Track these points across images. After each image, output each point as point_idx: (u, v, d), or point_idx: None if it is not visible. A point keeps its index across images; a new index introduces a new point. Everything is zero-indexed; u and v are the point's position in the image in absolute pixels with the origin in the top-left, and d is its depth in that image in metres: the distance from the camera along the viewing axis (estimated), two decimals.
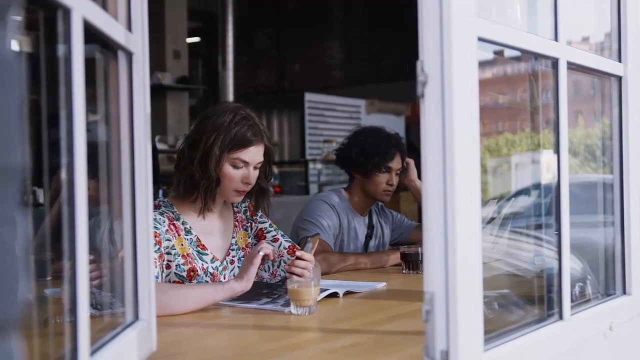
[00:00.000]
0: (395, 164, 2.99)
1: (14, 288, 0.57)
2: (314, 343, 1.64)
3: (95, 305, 1.31)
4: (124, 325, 1.32)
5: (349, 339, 1.61)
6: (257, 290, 2.10)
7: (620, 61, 1.79)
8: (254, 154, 2.18)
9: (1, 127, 0.56)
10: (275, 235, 2.38)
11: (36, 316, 1.24)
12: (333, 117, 8.38)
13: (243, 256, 2.31)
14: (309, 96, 8.26)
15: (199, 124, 2.22)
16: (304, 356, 1.51)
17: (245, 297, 2.03)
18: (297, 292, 1.85)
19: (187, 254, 2.16)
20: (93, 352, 1.09)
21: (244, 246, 2.35)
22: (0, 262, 0.56)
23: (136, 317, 1.36)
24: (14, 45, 0.59)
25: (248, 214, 2.39)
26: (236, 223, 2.35)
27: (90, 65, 1.10)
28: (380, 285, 2.33)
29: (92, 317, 1.07)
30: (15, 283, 0.58)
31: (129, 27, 1.34)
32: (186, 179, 2.18)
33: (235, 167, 2.17)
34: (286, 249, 2.33)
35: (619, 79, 1.80)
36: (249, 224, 2.39)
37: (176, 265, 2.13)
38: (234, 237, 2.32)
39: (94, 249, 1.14)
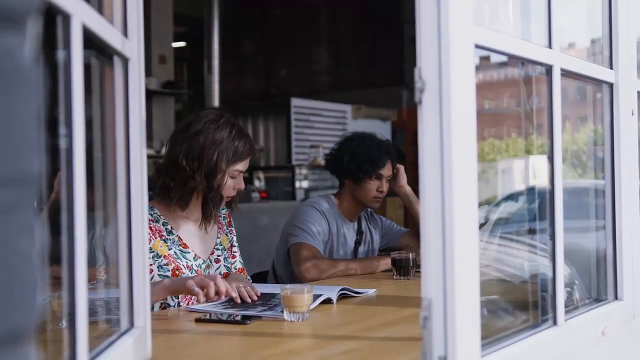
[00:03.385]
0: (386, 171, 3.00)
1: (32, 296, 0.57)
2: (309, 349, 1.63)
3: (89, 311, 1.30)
4: (120, 333, 1.31)
5: (344, 346, 1.61)
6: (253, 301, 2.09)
7: (611, 68, 1.81)
8: (247, 163, 2.33)
9: (21, 135, 0.56)
10: (236, 252, 2.50)
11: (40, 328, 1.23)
12: (319, 122, 8.37)
13: (227, 257, 2.41)
14: (295, 101, 8.24)
15: (193, 136, 2.23)
16: None
17: (241, 305, 2.02)
18: (290, 299, 1.84)
19: (169, 254, 2.22)
20: None
21: (228, 247, 2.45)
22: (19, 270, 0.56)
23: (131, 324, 1.35)
24: (33, 53, 0.59)
25: (226, 221, 2.50)
26: (220, 225, 2.45)
27: (85, 70, 1.09)
28: (372, 292, 2.33)
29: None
30: (33, 291, 0.57)
31: (125, 33, 1.34)
32: (189, 191, 2.24)
33: (232, 177, 2.29)
34: (236, 269, 2.42)
35: (610, 85, 1.81)
36: (229, 230, 2.50)
37: (159, 267, 2.18)
38: (218, 237, 2.41)
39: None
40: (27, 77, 0.57)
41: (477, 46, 1.24)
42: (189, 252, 2.27)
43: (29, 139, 0.57)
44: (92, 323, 1.37)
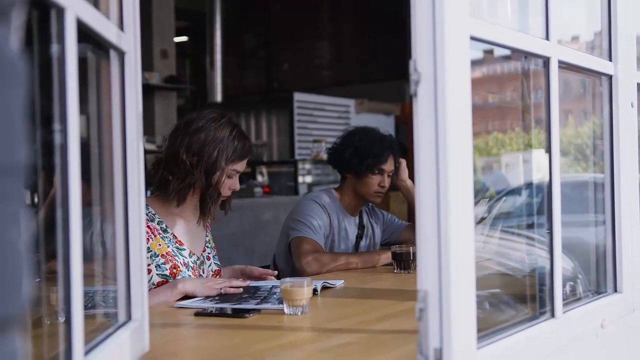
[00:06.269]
0: (388, 166, 2.99)
1: (18, 286, 0.58)
2: (308, 342, 1.64)
3: (86, 305, 1.31)
4: (117, 326, 1.32)
5: (342, 338, 1.61)
6: (238, 295, 2.08)
7: (610, 60, 1.80)
8: (245, 164, 2.36)
9: (7, 126, 0.56)
10: (214, 254, 2.49)
11: (28, 317, 1.23)
12: (322, 117, 8.37)
13: (215, 255, 2.45)
14: (297, 96, 8.24)
15: (194, 133, 2.26)
16: (298, 355, 1.51)
17: (231, 300, 2.02)
18: (290, 292, 1.84)
19: (167, 253, 2.24)
20: (86, 352, 1.09)
21: (214, 246, 2.49)
22: (6, 260, 0.56)
23: (129, 317, 1.36)
24: (18, 44, 0.59)
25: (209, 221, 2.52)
26: (208, 225, 2.47)
27: (81, 64, 1.09)
28: (339, 283, 2.34)
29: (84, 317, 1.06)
30: (20, 281, 0.58)
31: (121, 26, 1.34)
32: (187, 186, 2.26)
33: (229, 177, 2.30)
34: (212, 272, 2.43)
35: (610, 77, 1.81)
36: (211, 230, 2.53)
37: (156, 266, 2.20)
38: (207, 236, 2.45)
39: (84, 250, 1.13)
40: (12, 68, 0.57)
41: (473, 38, 1.24)
42: (185, 249, 2.30)
43: (14, 130, 0.57)
44: (91, 316, 1.37)
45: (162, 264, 2.21)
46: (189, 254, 2.31)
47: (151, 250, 2.20)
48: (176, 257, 2.25)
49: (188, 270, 2.26)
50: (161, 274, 2.20)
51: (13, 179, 0.57)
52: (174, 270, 2.22)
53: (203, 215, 2.33)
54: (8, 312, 0.56)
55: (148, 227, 2.22)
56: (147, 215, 2.24)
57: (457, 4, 1.18)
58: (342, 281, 2.39)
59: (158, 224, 2.27)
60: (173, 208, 2.30)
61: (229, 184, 2.31)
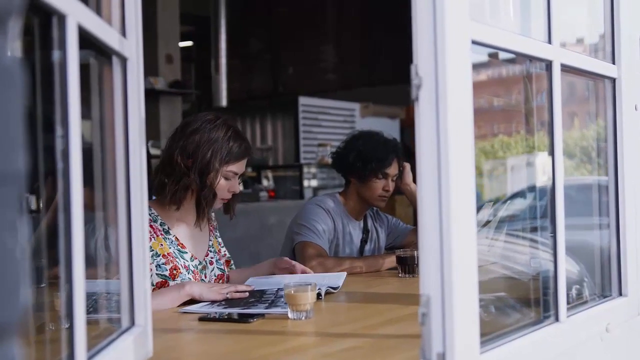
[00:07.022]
0: (392, 170, 2.99)
1: (15, 293, 0.58)
2: (311, 347, 1.63)
3: (89, 310, 1.31)
4: (120, 331, 1.32)
5: (346, 343, 1.61)
6: (245, 299, 2.08)
7: (614, 63, 1.80)
8: (244, 165, 2.34)
9: (3, 133, 0.56)
10: (218, 258, 2.47)
11: (32, 323, 1.24)
12: (327, 120, 8.37)
13: (219, 259, 2.44)
14: (303, 100, 8.25)
15: (189, 135, 2.27)
16: None
17: (237, 304, 2.01)
18: (293, 297, 1.84)
19: (168, 254, 2.25)
20: (89, 358, 1.09)
21: (218, 250, 2.47)
22: (2, 266, 0.56)
23: (132, 322, 1.36)
24: (15, 52, 0.60)
25: (215, 224, 2.53)
26: (211, 228, 2.48)
27: (84, 70, 1.10)
28: (342, 277, 2.38)
29: (87, 322, 1.06)
30: (16, 288, 0.58)
31: (123, 33, 1.34)
32: (182, 188, 2.26)
33: (226, 178, 2.30)
34: (215, 276, 2.42)
35: (613, 80, 1.80)
36: (217, 232, 2.53)
37: (157, 266, 2.21)
38: (210, 240, 2.45)
39: (88, 255, 1.14)
40: (9, 76, 0.57)
41: (474, 42, 1.24)
42: (186, 253, 2.31)
43: (12, 138, 0.57)
44: (94, 321, 1.37)
45: (163, 264, 2.21)
46: (191, 258, 2.31)
47: (152, 250, 2.20)
48: (177, 259, 2.25)
49: (188, 273, 2.26)
50: (161, 274, 2.20)
51: (9, 187, 0.57)
52: (174, 272, 2.22)
53: (199, 218, 2.33)
54: (6, 319, 0.57)
55: (151, 227, 2.23)
56: (150, 216, 2.25)
57: (458, 7, 1.18)
58: (344, 273, 2.42)
59: (161, 225, 2.28)
60: (173, 212, 2.30)
61: (228, 186, 2.30)
